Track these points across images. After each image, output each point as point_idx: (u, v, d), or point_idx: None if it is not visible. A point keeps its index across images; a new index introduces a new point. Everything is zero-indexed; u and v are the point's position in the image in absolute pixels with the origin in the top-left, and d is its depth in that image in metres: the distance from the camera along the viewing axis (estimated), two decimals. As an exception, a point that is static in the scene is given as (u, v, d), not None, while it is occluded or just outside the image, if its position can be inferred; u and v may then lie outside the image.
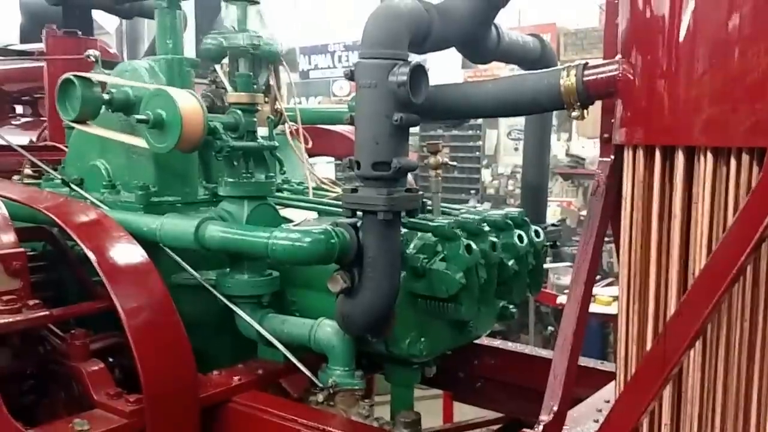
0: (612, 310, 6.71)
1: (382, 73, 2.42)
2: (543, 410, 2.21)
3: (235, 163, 3.08)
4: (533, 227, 3.25)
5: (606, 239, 2.35)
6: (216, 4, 5.16)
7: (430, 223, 2.85)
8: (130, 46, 8.50)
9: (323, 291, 2.74)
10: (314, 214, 3.45)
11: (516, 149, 14.35)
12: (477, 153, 14.22)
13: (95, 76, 3.30)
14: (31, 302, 2.67)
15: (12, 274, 2.68)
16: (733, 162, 1.84)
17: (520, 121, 12.04)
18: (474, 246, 2.81)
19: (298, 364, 2.94)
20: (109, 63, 3.55)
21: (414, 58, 2.54)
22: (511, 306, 3.26)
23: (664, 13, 1.95)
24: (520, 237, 3.11)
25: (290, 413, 2.73)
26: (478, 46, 3.00)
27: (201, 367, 2.81)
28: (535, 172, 3.78)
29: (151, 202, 3.28)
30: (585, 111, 2.31)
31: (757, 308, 1.88)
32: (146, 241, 2.98)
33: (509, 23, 2.94)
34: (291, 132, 3.75)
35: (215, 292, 3.10)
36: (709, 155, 1.88)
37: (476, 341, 3.47)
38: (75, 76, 3.22)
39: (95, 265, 2.72)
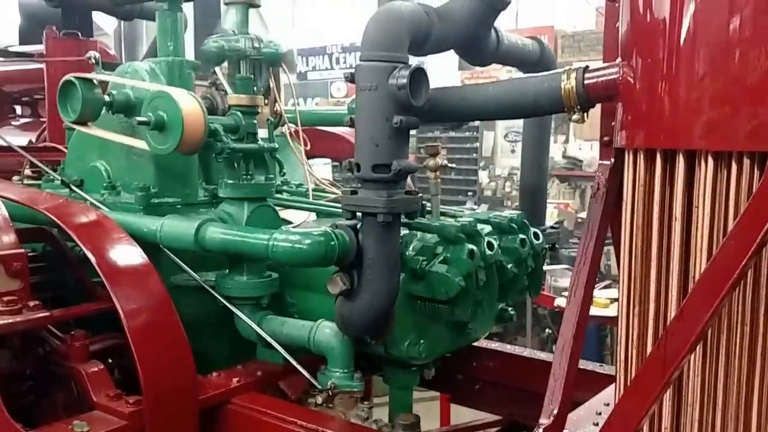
0: (609, 312, 6.73)
1: (382, 75, 2.43)
2: (543, 413, 2.21)
3: (236, 165, 3.08)
4: (532, 229, 3.25)
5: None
6: (215, 6, 5.17)
7: (434, 225, 2.86)
8: (129, 48, 8.48)
9: (322, 293, 2.74)
10: (313, 216, 3.45)
11: (513, 151, 14.39)
12: (474, 155, 14.26)
13: (96, 77, 3.30)
14: (31, 303, 2.66)
15: (12, 275, 2.68)
16: (734, 166, 1.84)
17: (517, 123, 12.08)
18: (477, 251, 2.82)
19: (298, 366, 2.95)
20: (109, 65, 3.56)
21: (412, 59, 2.54)
22: (509, 308, 3.27)
23: (665, 16, 1.95)
24: (519, 239, 3.12)
25: (289, 415, 2.73)
26: (478, 48, 3.01)
27: (200, 368, 2.81)
28: (533, 175, 3.79)
29: (151, 203, 3.28)
30: (585, 114, 2.31)
31: (758, 312, 1.88)
32: (146, 242, 2.99)
33: (506, 26, 2.95)
34: (290, 134, 3.75)
35: (215, 294, 3.10)
36: (710, 159, 1.88)
37: (475, 343, 3.48)
38: (76, 77, 3.22)
39: (95, 266, 2.72)
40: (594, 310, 6.60)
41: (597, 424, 2.55)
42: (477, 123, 12.96)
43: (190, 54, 3.60)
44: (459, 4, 2.74)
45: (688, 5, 1.89)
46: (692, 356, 1.96)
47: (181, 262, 3.11)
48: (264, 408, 2.81)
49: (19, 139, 5.08)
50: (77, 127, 3.39)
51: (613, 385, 2.28)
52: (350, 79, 2.55)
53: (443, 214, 3.18)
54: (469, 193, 14.05)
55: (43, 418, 2.87)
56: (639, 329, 2.11)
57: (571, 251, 9.20)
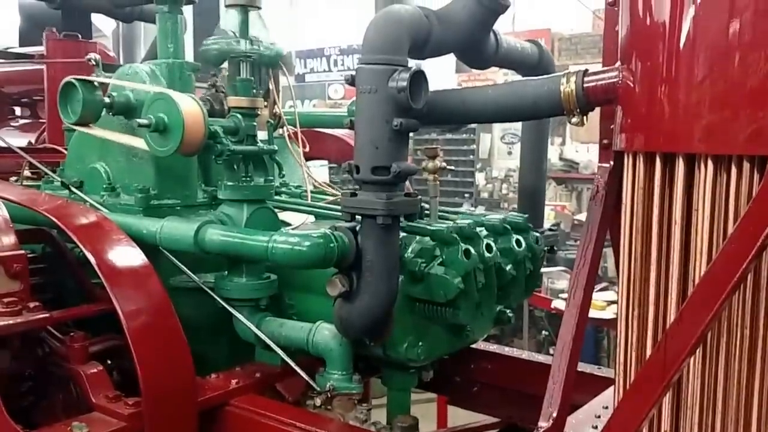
0: (606, 314, 6.74)
1: (382, 78, 2.44)
2: (542, 416, 2.22)
3: (235, 167, 3.09)
4: (532, 232, 3.26)
5: (601, 243, 2.37)
6: (215, 8, 5.17)
7: (429, 227, 2.86)
8: (126, 49, 8.50)
9: (321, 294, 2.74)
10: (312, 218, 3.46)
11: (510, 153, 14.42)
12: (471, 157, 14.27)
13: (97, 79, 3.31)
14: (31, 304, 2.66)
15: (12, 277, 2.68)
16: (733, 170, 1.85)
17: (514, 125, 12.10)
18: (472, 250, 2.82)
19: (296, 368, 2.95)
20: (108, 66, 3.56)
21: (410, 62, 2.55)
22: (508, 311, 3.27)
23: (665, 19, 1.95)
24: (518, 242, 3.12)
25: (288, 417, 2.72)
26: (478, 51, 3.01)
27: (198, 369, 2.80)
28: (532, 177, 3.79)
29: (151, 204, 3.29)
30: (585, 117, 2.32)
31: (758, 315, 1.89)
32: (145, 243, 2.99)
33: (503, 28, 2.95)
34: (289, 135, 3.75)
35: (214, 295, 3.10)
36: (710, 163, 1.89)
37: (473, 345, 3.48)
38: (77, 79, 3.22)
39: (95, 267, 2.72)
40: (590, 313, 6.60)
41: (596, 427, 2.56)
42: (474, 125, 12.98)
43: (188, 55, 3.61)
44: (459, 8, 2.75)
45: (688, 9, 1.89)
46: (692, 358, 1.96)
47: (180, 264, 3.11)
48: (263, 410, 2.81)
49: (18, 140, 5.09)
50: (78, 129, 3.39)
51: (611, 388, 2.28)
52: (350, 81, 2.56)
53: (442, 216, 3.19)
54: (466, 195, 14.07)
55: (42, 419, 2.87)
56: (638, 332, 2.12)
57: (567, 253, 9.21)
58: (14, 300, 2.61)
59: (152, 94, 3.04)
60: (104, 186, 3.45)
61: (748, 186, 1.83)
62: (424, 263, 2.80)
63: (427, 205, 3.11)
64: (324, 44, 18.64)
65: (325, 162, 4.78)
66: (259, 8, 3.29)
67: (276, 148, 3.24)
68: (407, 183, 2.74)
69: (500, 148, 14.87)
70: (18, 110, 6.90)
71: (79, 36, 5.11)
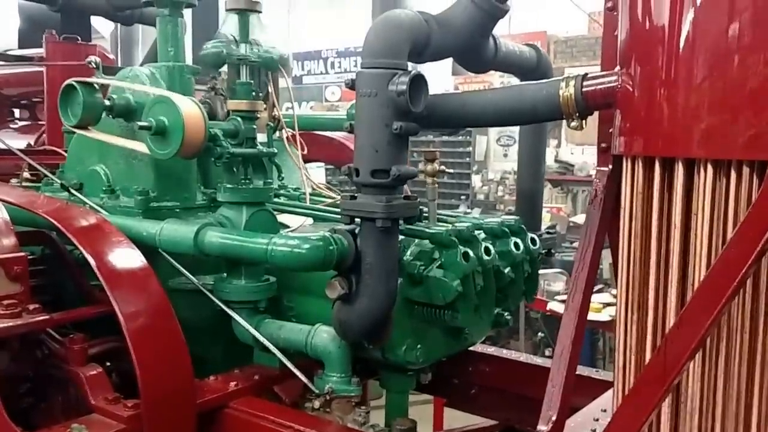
0: (602, 316, 6.74)
1: (382, 82, 2.45)
2: (541, 419, 2.22)
3: (235, 170, 3.09)
4: (530, 235, 3.27)
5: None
6: (214, 11, 5.17)
7: (427, 230, 2.87)
8: (125, 51, 8.50)
9: (320, 297, 2.76)
10: (310, 220, 3.46)
11: (506, 155, 14.43)
12: (467, 159, 14.28)
13: (97, 81, 3.31)
14: (31, 307, 2.66)
15: (13, 279, 2.68)
16: (733, 174, 1.85)
17: (510, 127, 12.09)
18: (471, 253, 2.83)
19: (295, 371, 2.95)
20: (108, 69, 3.56)
21: (409, 65, 2.56)
22: (506, 313, 3.28)
23: (664, 24, 1.96)
24: (516, 244, 3.13)
25: (286, 419, 2.73)
26: (477, 55, 3.02)
27: (197, 371, 2.81)
28: (530, 180, 3.80)
29: (150, 207, 3.29)
30: (583, 121, 2.33)
31: (757, 318, 1.89)
32: (145, 246, 2.99)
33: (499, 31, 2.95)
34: (288, 138, 3.76)
35: (213, 297, 3.10)
36: (709, 167, 1.89)
37: (471, 348, 3.49)
38: (77, 81, 3.23)
39: (95, 269, 2.72)
40: (587, 315, 6.60)
41: (595, 431, 2.56)
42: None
43: (187, 58, 3.61)
44: (458, 12, 2.76)
45: (687, 13, 1.90)
46: (691, 363, 1.96)
47: (179, 266, 3.12)
48: (261, 412, 2.81)
49: (17, 142, 5.09)
50: (78, 131, 3.39)
51: (609, 391, 2.29)
52: (350, 85, 2.57)
53: (440, 219, 3.20)
54: (463, 197, 14.08)
55: (41, 420, 2.87)
56: (637, 336, 2.12)
57: (564, 255, 9.22)
58: (14, 302, 2.62)
59: (153, 96, 3.05)
60: (104, 188, 3.46)
61: (748, 191, 1.83)
62: (422, 266, 2.81)
63: (425, 208, 3.12)
64: (321, 46, 18.66)
65: (321, 164, 4.78)
66: (260, 12, 3.29)
67: (275, 150, 3.25)
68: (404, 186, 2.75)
69: (496, 151, 14.89)
70: (17, 112, 6.90)
71: (79, 38, 5.11)
